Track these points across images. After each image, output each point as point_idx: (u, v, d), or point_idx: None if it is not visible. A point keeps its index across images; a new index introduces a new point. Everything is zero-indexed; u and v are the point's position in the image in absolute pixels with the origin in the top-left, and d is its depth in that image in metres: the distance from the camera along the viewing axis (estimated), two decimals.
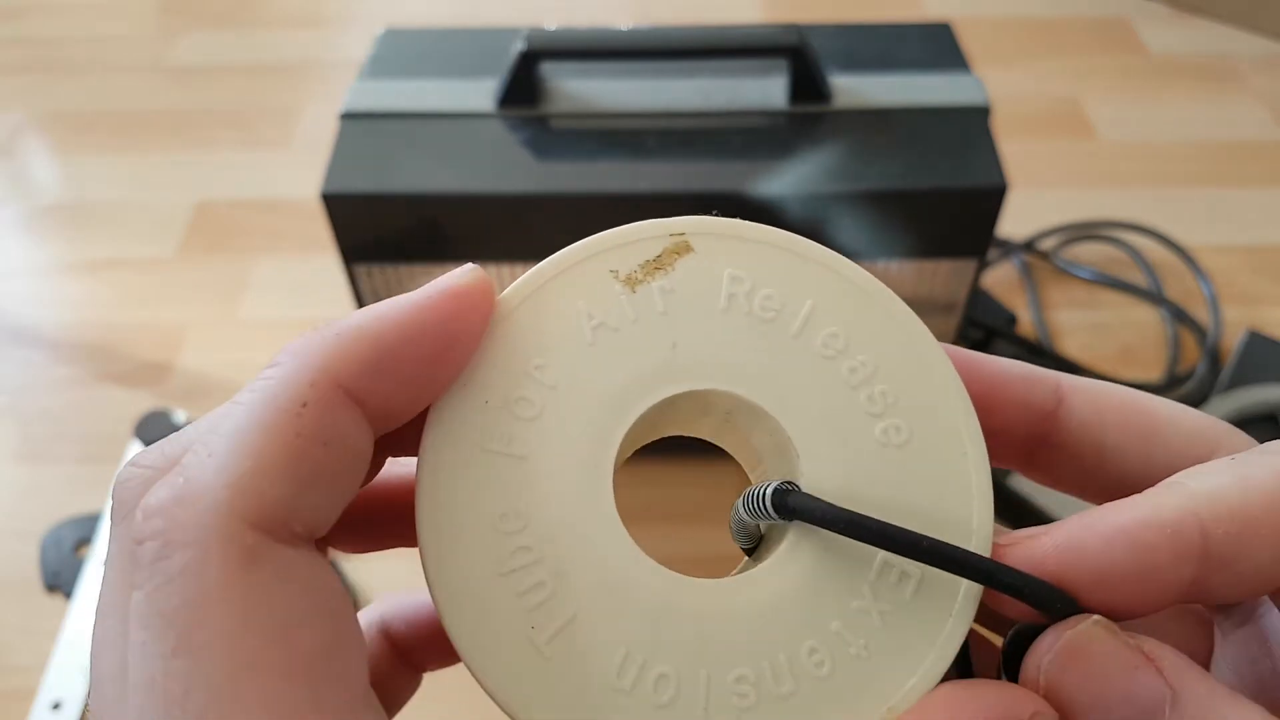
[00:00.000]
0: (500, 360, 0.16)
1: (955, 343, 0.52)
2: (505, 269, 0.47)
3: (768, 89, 0.48)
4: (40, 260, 0.71)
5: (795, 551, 0.16)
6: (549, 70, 0.48)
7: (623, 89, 0.48)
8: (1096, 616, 0.14)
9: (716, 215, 0.17)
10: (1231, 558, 0.14)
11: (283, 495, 0.14)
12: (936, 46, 0.51)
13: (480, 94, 0.48)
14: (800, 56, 0.46)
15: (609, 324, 0.16)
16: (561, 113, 0.47)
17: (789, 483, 0.16)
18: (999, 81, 0.72)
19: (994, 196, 0.44)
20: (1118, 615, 0.14)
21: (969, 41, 0.55)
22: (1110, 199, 0.72)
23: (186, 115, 0.82)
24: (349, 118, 0.47)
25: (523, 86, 0.47)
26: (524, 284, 0.17)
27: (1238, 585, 0.14)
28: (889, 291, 0.17)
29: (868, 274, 0.17)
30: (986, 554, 0.16)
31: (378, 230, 0.46)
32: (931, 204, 0.45)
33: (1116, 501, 0.15)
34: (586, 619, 0.15)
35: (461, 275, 0.16)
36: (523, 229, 0.45)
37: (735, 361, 0.17)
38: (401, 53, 0.51)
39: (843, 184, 0.44)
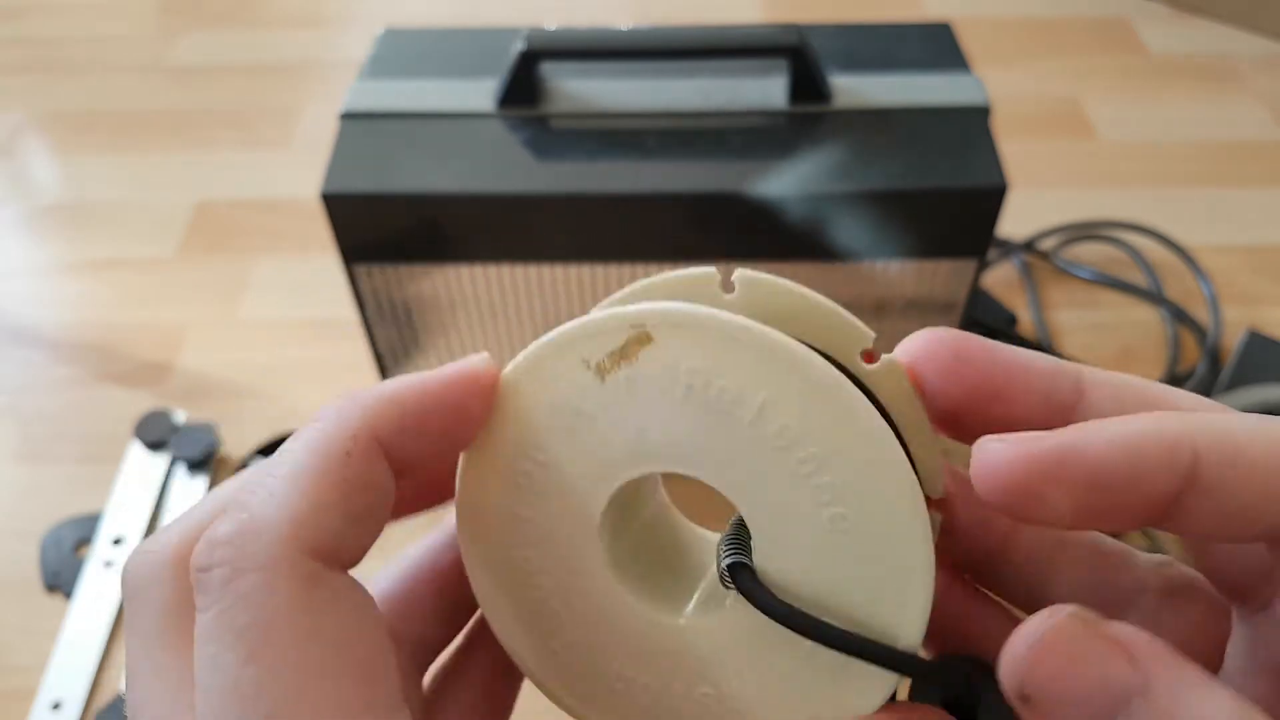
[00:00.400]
0: (509, 433, 0.19)
1: None
2: (505, 269, 0.47)
3: (768, 89, 0.48)
4: (40, 260, 0.71)
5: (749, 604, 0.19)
6: (549, 70, 0.48)
7: (623, 89, 0.48)
8: (1073, 608, 0.14)
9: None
10: (1216, 486, 0.14)
11: (334, 529, 0.17)
12: (936, 46, 0.51)
13: (480, 94, 0.48)
14: (800, 56, 0.46)
15: (585, 411, 0.18)
16: (561, 113, 0.47)
17: (743, 560, 0.18)
18: (999, 81, 0.72)
19: (994, 196, 0.44)
20: (1099, 522, 0.15)
21: (969, 41, 0.55)
22: (1110, 199, 0.72)
23: (186, 115, 0.82)
24: (349, 118, 0.47)
25: (523, 86, 0.47)
26: (518, 367, 0.19)
27: (1221, 518, 0.15)
28: (842, 381, 0.17)
29: (824, 365, 0.17)
30: (918, 638, 0.17)
31: (378, 230, 0.46)
32: (931, 204, 0.45)
33: (1122, 417, 0.15)
34: (586, 642, 0.20)
35: (473, 362, 0.19)
36: (523, 229, 0.45)
37: (695, 447, 0.18)
38: (401, 53, 0.51)
39: (843, 184, 0.44)
